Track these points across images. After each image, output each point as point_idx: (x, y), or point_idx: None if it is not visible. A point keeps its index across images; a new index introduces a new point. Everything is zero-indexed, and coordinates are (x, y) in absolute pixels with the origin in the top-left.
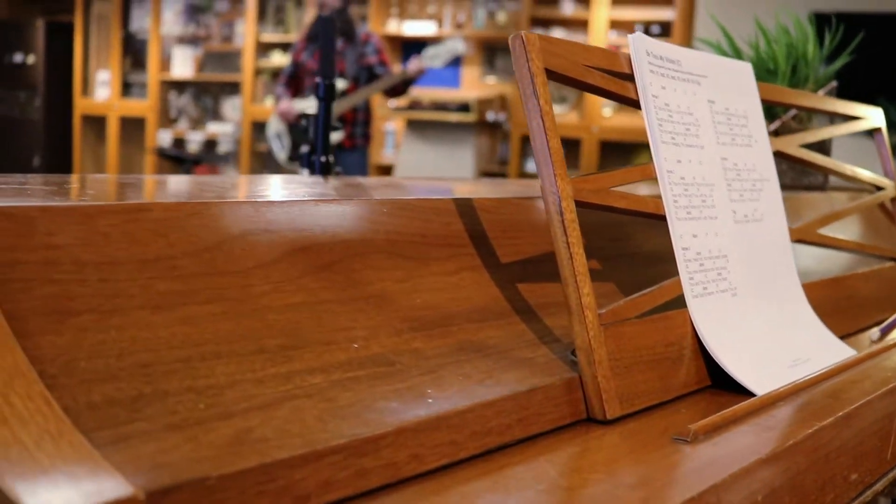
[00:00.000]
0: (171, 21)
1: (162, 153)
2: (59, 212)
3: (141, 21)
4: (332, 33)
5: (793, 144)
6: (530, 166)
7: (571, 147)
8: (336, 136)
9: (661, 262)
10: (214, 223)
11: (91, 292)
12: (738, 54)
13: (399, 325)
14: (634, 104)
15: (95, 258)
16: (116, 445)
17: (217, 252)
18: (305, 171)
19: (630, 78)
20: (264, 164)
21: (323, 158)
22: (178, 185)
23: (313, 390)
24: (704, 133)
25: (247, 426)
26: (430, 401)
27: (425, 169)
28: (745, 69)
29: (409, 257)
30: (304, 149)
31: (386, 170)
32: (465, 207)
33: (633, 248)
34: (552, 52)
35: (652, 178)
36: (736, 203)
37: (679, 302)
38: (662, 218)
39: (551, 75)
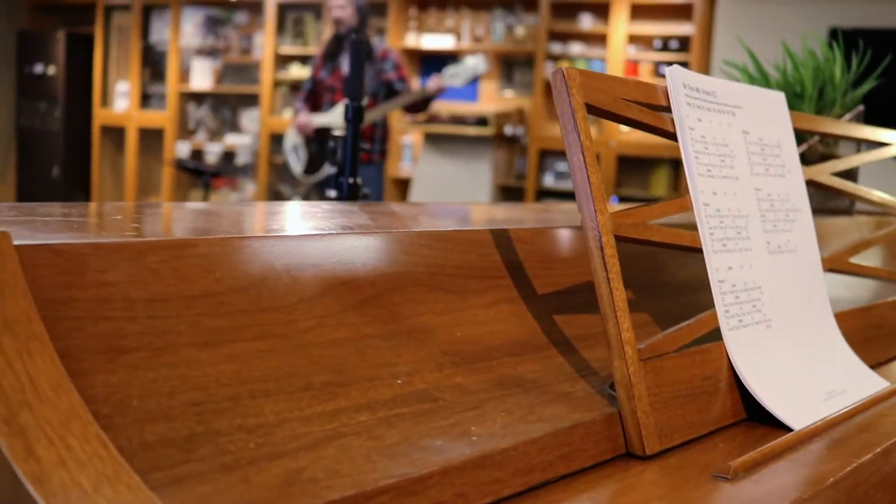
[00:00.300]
0: (191, 33)
1: (180, 165)
2: (110, 249)
3: (160, 33)
4: (362, 56)
5: (824, 173)
6: (548, 180)
7: None
8: None
9: (694, 291)
10: (259, 258)
11: (141, 330)
12: (764, 77)
13: (440, 359)
14: (672, 136)
15: (145, 295)
16: (172, 487)
17: (262, 287)
18: (333, 192)
19: (667, 110)
20: (281, 176)
21: (351, 180)
22: (217, 214)
23: (360, 428)
24: (739, 164)
25: (297, 466)
26: (474, 438)
27: (443, 182)
28: (778, 99)
29: (449, 290)
30: (332, 170)
31: (403, 183)
32: (501, 238)
33: (666, 277)
34: (592, 87)
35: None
36: (769, 234)
37: (714, 333)
38: (699, 251)
39: (591, 109)
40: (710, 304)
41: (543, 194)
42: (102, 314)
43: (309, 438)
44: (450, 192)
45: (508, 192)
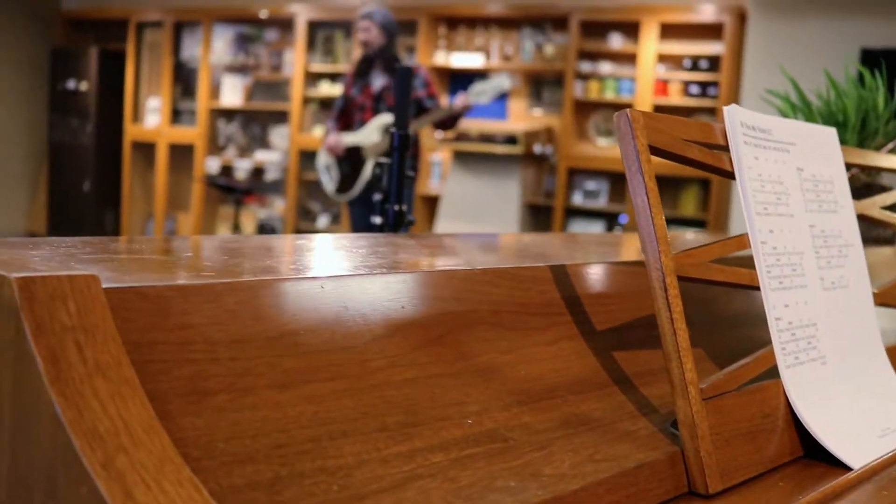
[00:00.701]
0: (221, 50)
1: (212, 183)
2: (191, 291)
3: (191, 50)
4: (408, 85)
5: (875, 207)
6: (576, 199)
7: (619, 181)
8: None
9: (746, 325)
10: (332, 298)
11: (224, 371)
12: (807, 106)
13: (507, 398)
14: (730, 175)
15: (225, 336)
16: None
17: (335, 327)
18: (378, 219)
19: (724, 148)
20: (311, 193)
21: (397, 207)
22: (280, 251)
23: (435, 469)
24: (794, 201)
25: None
26: (545, 478)
27: (471, 200)
28: (830, 134)
29: (512, 328)
30: (378, 197)
31: (432, 200)
32: (559, 274)
33: (719, 311)
34: (655, 128)
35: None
36: (823, 270)
37: (771, 370)
38: (757, 288)
39: (653, 150)
40: (761, 337)
41: (572, 213)
42: (186, 356)
43: (388, 481)
44: (478, 210)
45: (537, 211)
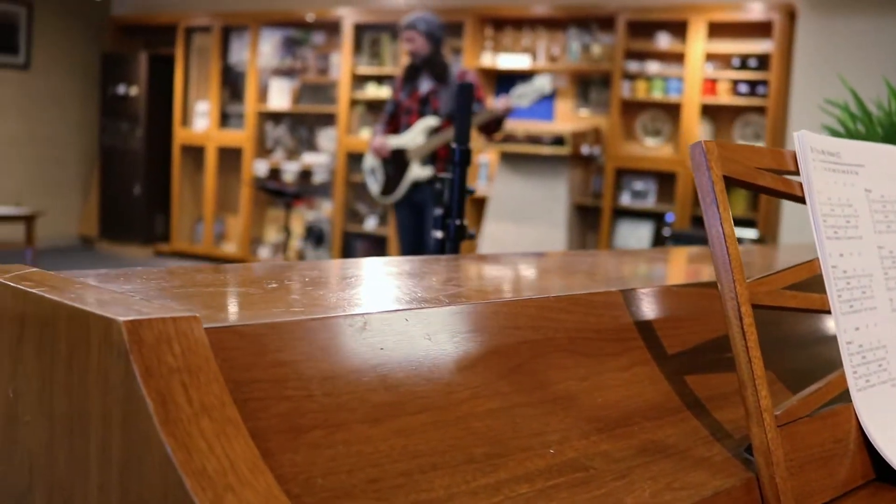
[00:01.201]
0: (269, 54)
1: (263, 187)
2: (285, 328)
3: (239, 54)
4: (469, 101)
5: None
6: (624, 199)
7: (667, 181)
8: (427, 172)
9: (815, 344)
10: (416, 329)
11: (318, 407)
12: (867, 116)
13: (586, 426)
14: (801, 200)
15: (318, 373)
16: None
17: (421, 359)
18: (439, 233)
19: (795, 173)
20: (358, 194)
21: (458, 222)
22: (358, 279)
23: (522, 501)
24: (863, 223)
25: None
26: None
27: (519, 201)
28: None
29: (587, 354)
30: (439, 212)
31: (479, 202)
32: (631, 298)
33: (785, 331)
34: (728, 158)
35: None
36: (892, 291)
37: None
38: (828, 312)
39: (727, 180)
40: (829, 355)
41: (619, 213)
42: (282, 394)
43: None
44: (526, 211)
45: (584, 211)
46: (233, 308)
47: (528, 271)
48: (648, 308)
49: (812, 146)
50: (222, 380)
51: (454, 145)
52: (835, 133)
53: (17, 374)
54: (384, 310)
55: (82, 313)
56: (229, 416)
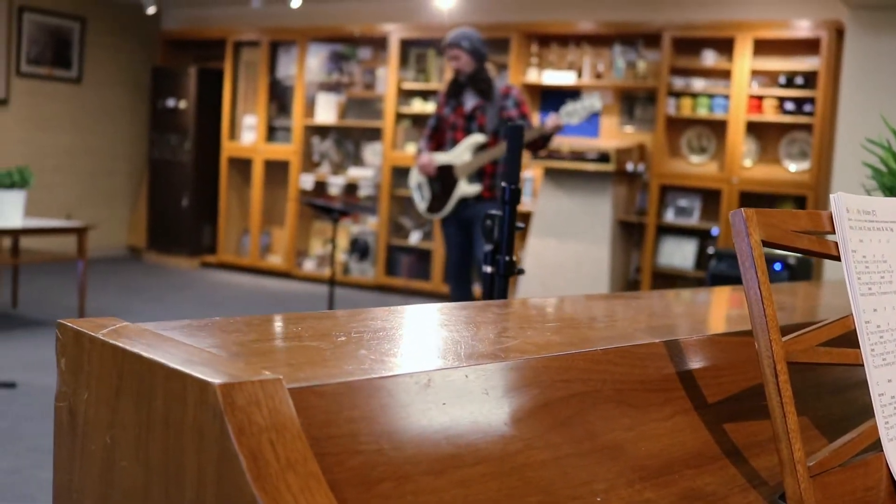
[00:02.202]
0: (316, 68)
1: (311, 204)
2: (357, 387)
3: (287, 68)
4: (519, 140)
5: None
6: (668, 216)
7: (711, 198)
8: (474, 189)
9: (846, 390)
10: (474, 385)
11: (387, 461)
12: None
13: (631, 474)
14: (837, 258)
15: (387, 427)
16: None
17: (478, 413)
18: (489, 268)
19: (832, 233)
20: (404, 209)
21: (507, 258)
22: (417, 329)
23: None
24: None
25: None
26: None
27: (563, 217)
28: None
29: (633, 405)
30: (488, 247)
31: (523, 217)
32: (674, 349)
33: (820, 377)
34: (767, 224)
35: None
36: None
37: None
38: (861, 366)
39: (765, 243)
40: (863, 401)
41: (664, 230)
42: (355, 448)
43: None
44: (570, 226)
45: (629, 228)
46: (309, 366)
47: (574, 319)
48: (690, 358)
49: (847, 206)
50: (304, 437)
51: (504, 184)
52: (876, 172)
53: (114, 423)
54: (446, 367)
55: (179, 374)
56: (311, 471)
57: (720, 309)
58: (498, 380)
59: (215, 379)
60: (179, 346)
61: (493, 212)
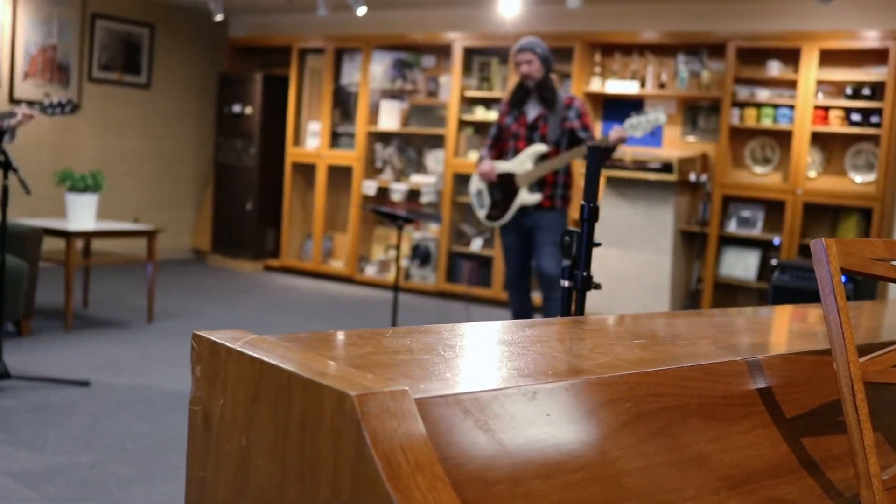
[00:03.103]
0: (380, 75)
1: (377, 211)
2: (472, 398)
3: (351, 75)
4: (598, 164)
5: None
6: (731, 227)
7: (775, 209)
8: (535, 198)
9: None
10: (576, 399)
11: (500, 465)
12: None
13: (716, 483)
14: None
15: (499, 436)
16: None
17: (579, 424)
18: (567, 283)
19: None
20: (465, 216)
21: (585, 273)
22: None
23: None
24: None
25: None
26: None
27: (624, 226)
28: None
29: (716, 418)
30: (566, 262)
31: None
32: (754, 367)
33: (892, 395)
34: (846, 252)
35: None
36: None
37: None
38: None
39: (844, 271)
40: None
41: (726, 240)
42: (473, 454)
43: None
44: (631, 235)
45: (690, 238)
46: (427, 379)
47: (657, 336)
48: (768, 375)
49: None
50: (430, 442)
51: (583, 202)
52: None
53: (251, 426)
54: (549, 381)
55: (317, 385)
56: (437, 473)
57: (791, 327)
58: (596, 393)
59: (352, 390)
60: (311, 358)
61: (572, 228)
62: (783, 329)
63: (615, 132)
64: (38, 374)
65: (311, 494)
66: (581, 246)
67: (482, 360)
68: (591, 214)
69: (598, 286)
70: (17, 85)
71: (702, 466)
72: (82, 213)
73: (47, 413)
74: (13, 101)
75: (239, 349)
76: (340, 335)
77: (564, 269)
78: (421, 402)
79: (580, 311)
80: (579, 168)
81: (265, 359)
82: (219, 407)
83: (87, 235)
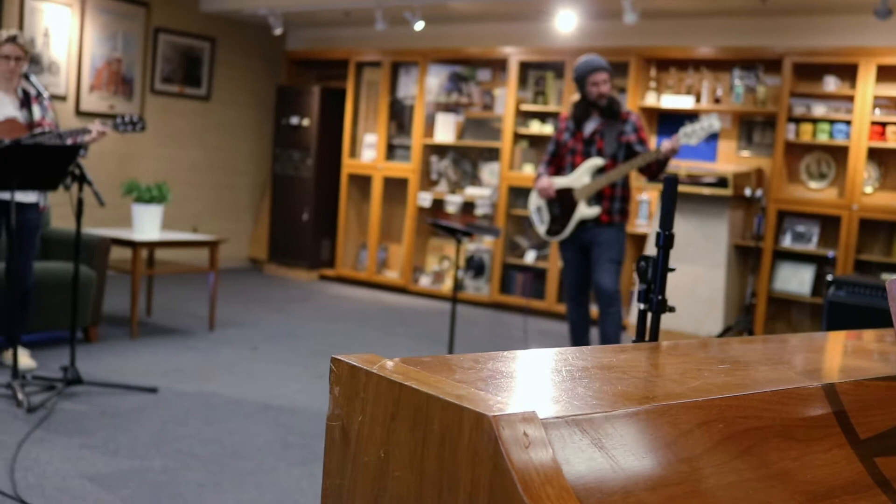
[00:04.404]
0: (436, 88)
1: (437, 225)
2: (588, 420)
3: (407, 88)
4: (674, 193)
5: None
6: (785, 241)
7: (830, 224)
8: (593, 211)
9: None
10: (674, 419)
11: (614, 477)
12: None
13: (800, 497)
14: None
15: (612, 452)
16: None
17: (680, 441)
18: (641, 305)
19: None
20: (520, 228)
21: (660, 297)
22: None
23: None
24: None
25: None
26: None
27: (678, 240)
28: None
29: (797, 439)
30: (641, 286)
31: (639, 238)
32: (830, 392)
33: None
34: None
35: None
36: None
37: None
38: None
39: None
40: None
41: (780, 255)
42: (590, 468)
43: None
44: (686, 249)
45: (745, 252)
46: (548, 400)
47: (739, 362)
48: (844, 399)
49: None
50: (555, 457)
51: (658, 230)
52: None
53: (389, 441)
54: (653, 404)
55: (456, 406)
56: (563, 485)
57: (860, 352)
58: (691, 415)
59: (489, 412)
60: (444, 382)
61: (647, 254)
62: (854, 354)
63: (668, 143)
64: (108, 380)
65: (449, 502)
66: (656, 270)
67: (590, 383)
68: (666, 242)
69: (672, 309)
70: (83, 97)
71: (786, 482)
72: (148, 224)
73: (118, 418)
74: (79, 113)
75: (378, 373)
76: (457, 358)
77: (640, 293)
78: (546, 422)
79: (654, 334)
80: (635, 181)
81: (404, 382)
82: (357, 423)
83: (153, 245)
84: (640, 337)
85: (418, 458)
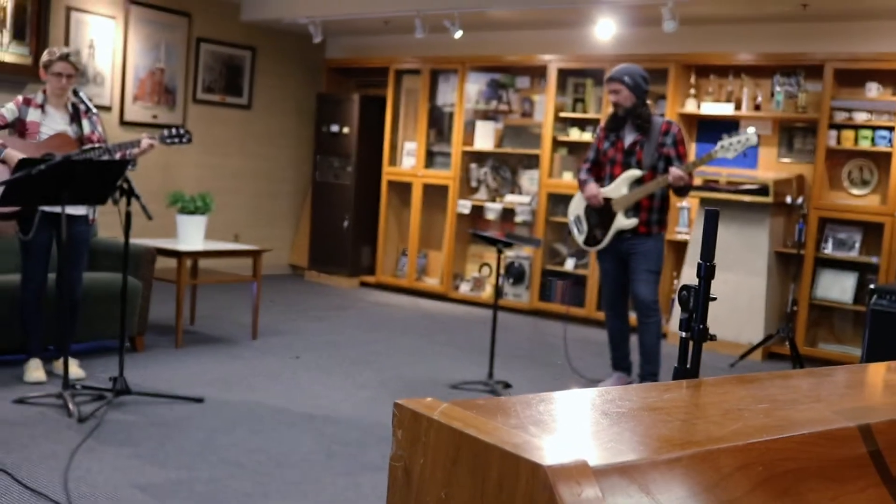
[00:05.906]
0: (475, 96)
1: (478, 235)
2: (637, 466)
3: (446, 96)
4: (714, 226)
5: None
6: (827, 248)
7: (873, 231)
8: (631, 222)
9: None
10: (716, 463)
11: None
12: None
13: None
14: None
15: (663, 497)
16: None
17: (722, 484)
18: (683, 334)
19: None
20: (560, 235)
21: (701, 325)
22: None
23: None
24: None
25: None
26: None
27: (719, 247)
28: None
29: (833, 479)
30: (683, 315)
31: (679, 245)
32: (865, 432)
33: None
34: None
35: None
36: None
37: None
38: None
39: None
40: None
41: (822, 262)
42: None
43: None
44: (726, 257)
45: (786, 259)
46: (597, 446)
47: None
48: (879, 438)
49: None
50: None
51: (700, 261)
52: None
53: (450, 483)
54: (695, 449)
55: (513, 456)
56: None
57: None
58: (732, 459)
59: (544, 462)
60: (500, 428)
61: (689, 284)
62: (892, 390)
63: (675, 170)
64: (155, 389)
65: None
66: (698, 300)
67: (636, 427)
68: (707, 273)
69: (713, 338)
70: (127, 107)
71: None
72: (192, 234)
73: (166, 428)
74: (123, 123)
75: (439, 419)
76: (509, 402)
77: (682, 321)
78: (597, 469)
79: (696, 363)
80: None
81: (464, 430)
82: (419, 465)
83: (197, 255)
84: (681, 364)
85: (478, 501)
